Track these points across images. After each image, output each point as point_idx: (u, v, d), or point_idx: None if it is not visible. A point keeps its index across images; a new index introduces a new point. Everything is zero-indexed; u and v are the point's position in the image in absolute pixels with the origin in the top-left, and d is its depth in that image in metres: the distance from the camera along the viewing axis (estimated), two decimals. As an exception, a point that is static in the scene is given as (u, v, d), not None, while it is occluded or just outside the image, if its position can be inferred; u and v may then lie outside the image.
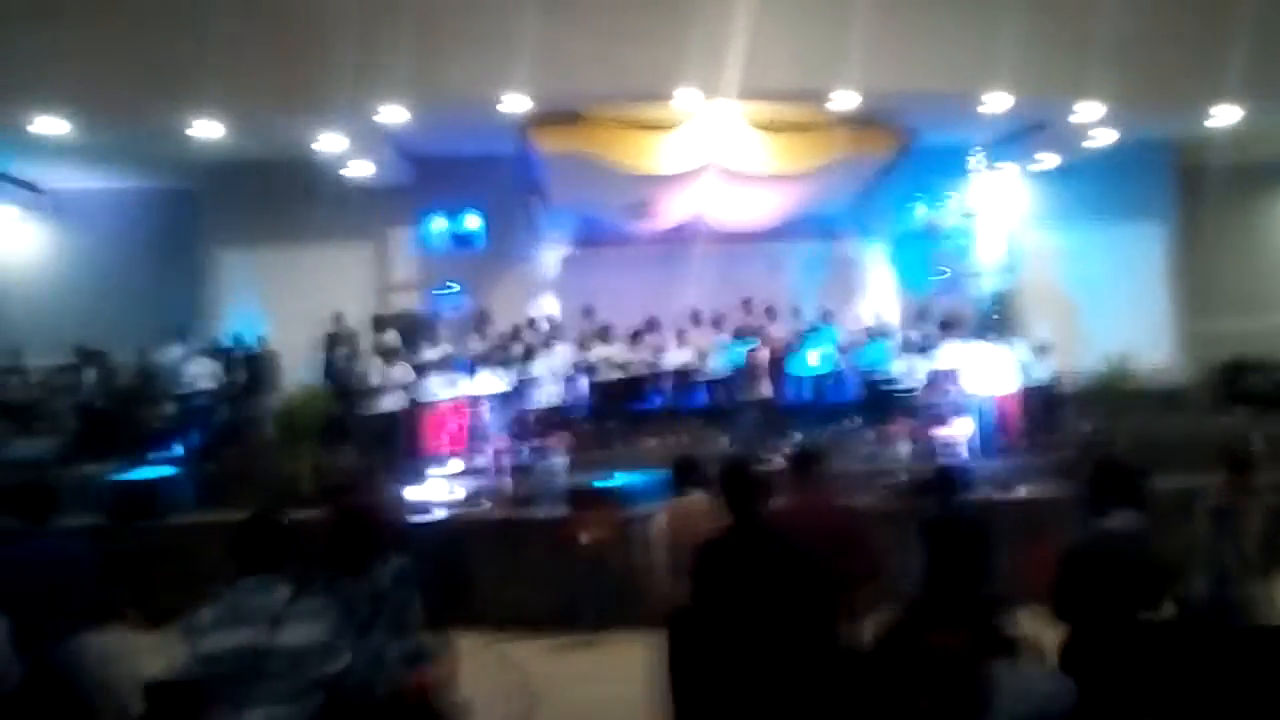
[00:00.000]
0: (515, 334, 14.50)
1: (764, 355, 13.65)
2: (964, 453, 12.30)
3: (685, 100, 12.85)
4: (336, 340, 14.88)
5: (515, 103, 12.70)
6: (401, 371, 13.35)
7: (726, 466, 4.19)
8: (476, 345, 14.30)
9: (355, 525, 4.87)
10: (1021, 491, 11.33)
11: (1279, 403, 15.32)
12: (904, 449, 12.63)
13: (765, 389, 13.55)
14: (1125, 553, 4.48)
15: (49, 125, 12.62)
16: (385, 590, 4.75)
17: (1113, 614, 4.40)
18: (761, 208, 15.24)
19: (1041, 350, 13.74)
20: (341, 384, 14.25)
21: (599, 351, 14.19)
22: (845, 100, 13.00)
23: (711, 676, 3.76)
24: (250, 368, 14.99)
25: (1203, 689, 4.06)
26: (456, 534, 10.62)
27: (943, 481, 5.74)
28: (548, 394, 13.36)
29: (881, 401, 14.12)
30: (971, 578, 5.25)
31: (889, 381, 13.95)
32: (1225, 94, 12.91)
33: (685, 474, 5.98)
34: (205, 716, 3.51)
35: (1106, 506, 4.61)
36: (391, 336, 14.42)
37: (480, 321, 14.75)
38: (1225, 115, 13.43)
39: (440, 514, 11.23)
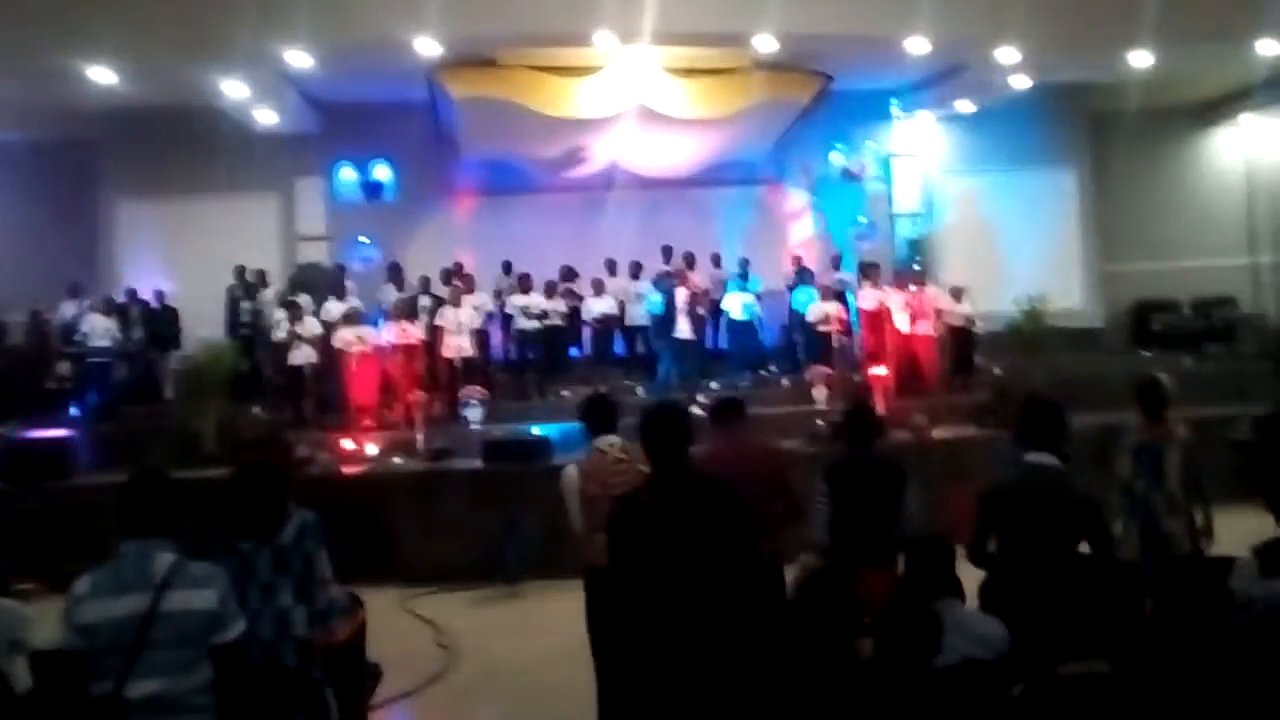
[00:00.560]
0: (426, 285, 14.12)
1: (682, 300, 13.43)
2: (882, 396, 12.35)
3: (601, 45, 12.54)
4: (242, 294, 14.39)
5: (426, 47, 12.25)
6: (311, 325, 12.95)
7: (648, 412, 3.77)
8: (388, 297, 13.92)
9: (258, 483, 4.61)
10: (938, 432, 11.41)
11: (1185, 343, 15.69)
12: (821, 394, 12.63)
13: (683, 333, 13.37)
14: (1046, 490, 4.42)
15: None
16: (288, 548, 4.53)
17: (1034, 553, 4.34)
18: (680, 153, 15.04)
19: (957, 293, 13.83)
20: (249, 339, 13.82)
21: (516, 300, 13.92)
22: (763, 44, 12.79)
23: (641, 635, 3.52)
24: (152, 323, 14.43)
25: (1128, 626, 4.01)
26: (373, 488, 10.43)
27: (851, 423, 5.61)
28: (463, 345, 13.07)
29: (801, 347, 14.10)
30: (884, 519, 5.19)
31: (809, 327, 13.90)
32: (1138, 39, 12.97)
33: (597, 417, 5.35)
34: (88, 689, 3.27)
35: (1029, 444, 4.54)
36: (300, 289, 13.98)
37: (392, 273, 14.36)
38: (1137, 60, 13.52)
39: (356, 468, 10.98)
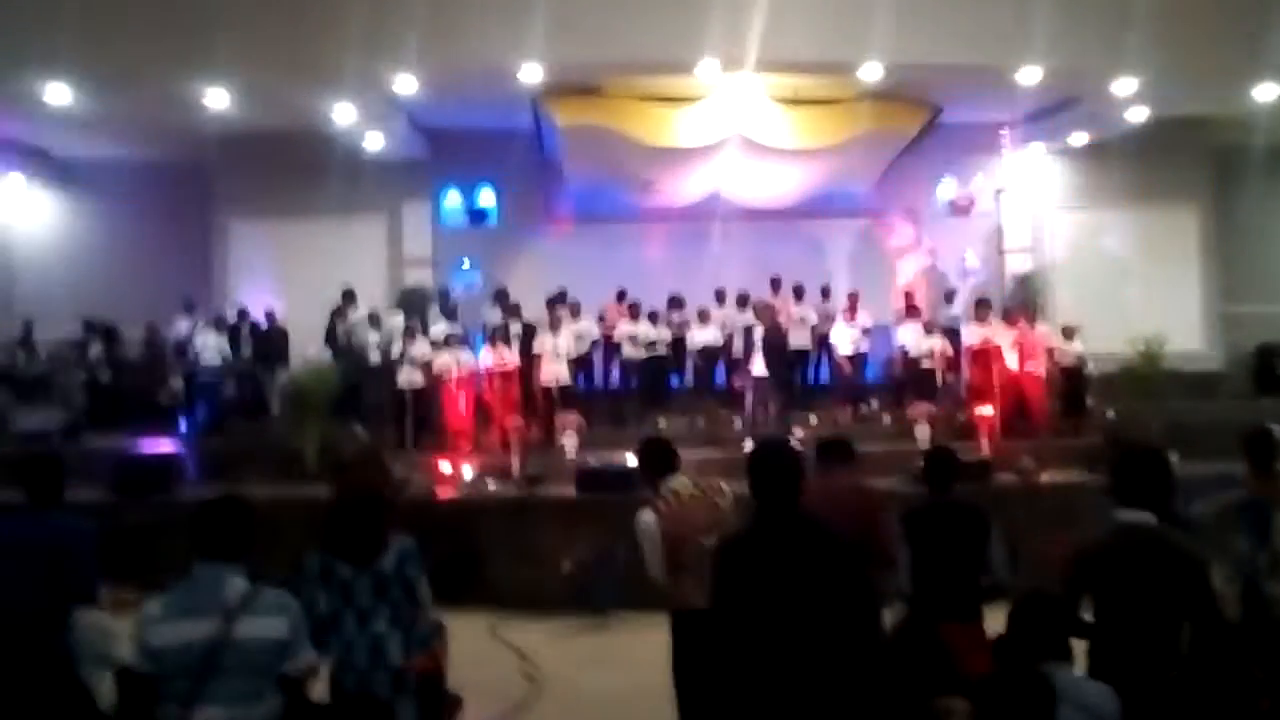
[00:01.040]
0: (518, 311, 14.15)
1: (758, 336, 13.02)
2: (987, 437, 11.99)
3: (705, 73, 12.51)
4: (348, 315, 14.64)
5: (530, 74, 12.40)
6: (415, 347, 13.10)
7: (759, 449, 3.62)
8: (491, 321, 14.02)
9: (359, 506, 4.60)
10: (1046, 476, 11.00)
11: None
12: (923, 432, 12.31)
13: (759, 370, 12.97)
14: (1142, 552, 4.04)
15: (57, 92, 12.39)
16: (388, 575, 4.51)
17: (1132, 622, 4.00)
18: (783, 183, 14.89)
19: (1070, 332, 13.39)
20: (353, 359, 14.04)
21: (625, 328, 13.91)
22: (870, 73, 12.63)
23: (745, 678, 3.33)
24: (260, 342, 14.77)
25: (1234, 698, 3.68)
26: (466, 512, 10.44)
27: (931, 466, 5.36)
28: (560, 373, 13.08)
29: (906, 383, 13.78)
30: (966, 569, 4.94)
31: (915, 363, 13.59)
32: (1265, 70, 12.45)
33: (656, 461, 5.11)
34: (154, 713, 3.24)
35: (1124, 501, 4.19)
36: (405, 312, 14.18)
37: (497, 298, 14.47)
38: (1264, 93, 12.97)
39: (450, 492, 11.02)
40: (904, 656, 3.70)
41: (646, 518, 4.99)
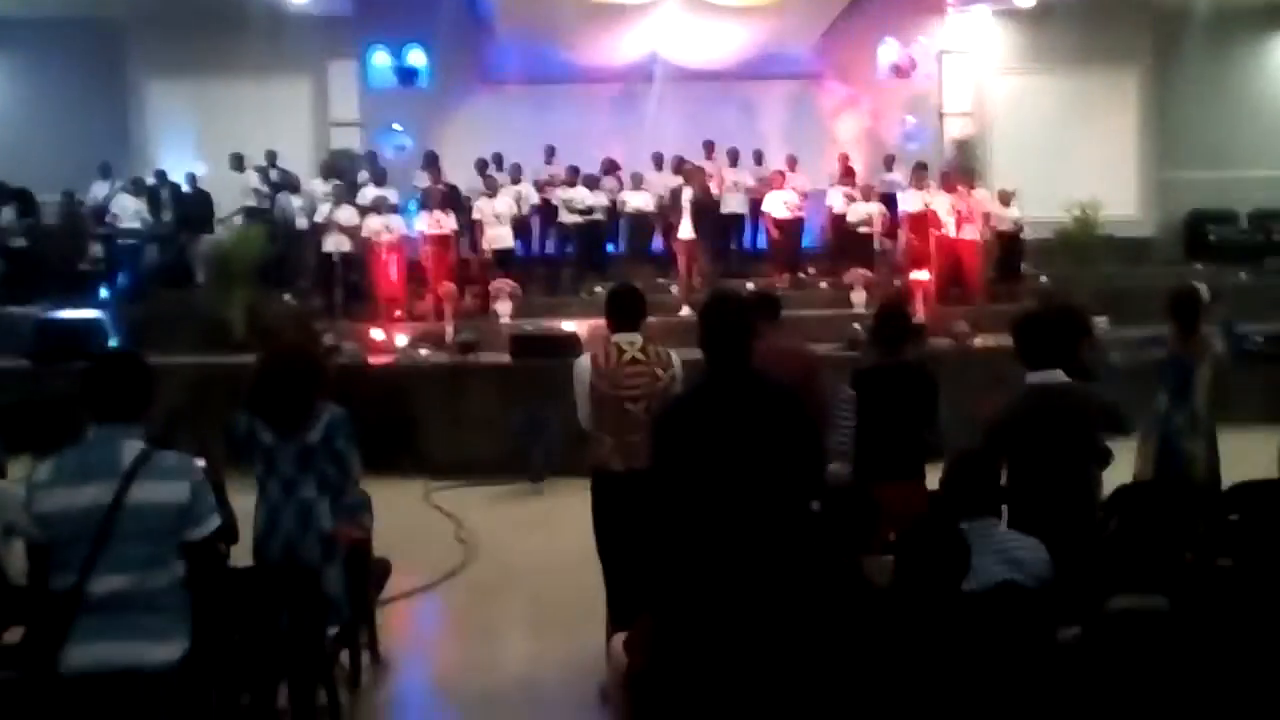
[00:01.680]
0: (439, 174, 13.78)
1: (686, 199, 12.84)
2: (923, 302, 12.02)
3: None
4: (273, 178, 14.13)
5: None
6: (343, 212, 12.70)
7: (708, 302, 3.42)
8: (422, 185, 13.63)
9: (287, 373, 4.43)
10: (980, 340, 11.08)
11: (1242, 256, 15.13)
12: (860, 298, 12.32)
13: (686, 234, 12.81)
14: (1054, 410, 4.10)
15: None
16: (314, 447, 4.38)
17: (1050, 481, 4.04)
18: (723, 43, 14.43)
19: (1006, 197, 13.34)
20: (279, 224, 13.61)
21: (561, 194, 13.59)
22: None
23: (683, 544, 3.22)
24: (182, 206, 14.24)
25: (1175, 553, 3.72)
26: (399, 380, 10.31)
27: (882, 327, 5.30)
28: (500, 236, 12.82)
29: (842, 249, 13.69)
30: (913, 430, 4.93)
31: (851, 228, 13.49)
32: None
33: (623, 311, 4.88)
34: (48, 582, 3.08)
35: (1035, 361, 4.21)
36: (333, 176, 13.71)
37: (427, 162, 14.03)
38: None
39: (383, 359, 10.84)
40: (838, 515, 3.64)
41: (583, 364, 4.87)
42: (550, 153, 14.35)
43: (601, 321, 5.03)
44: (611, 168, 14.30)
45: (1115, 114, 16.24)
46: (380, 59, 15.80)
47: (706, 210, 13.03)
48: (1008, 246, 13.29)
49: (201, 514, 3.16)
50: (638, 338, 4.84)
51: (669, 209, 13.38)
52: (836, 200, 13.74)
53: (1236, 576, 3.73)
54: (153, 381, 3.26)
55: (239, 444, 4.41)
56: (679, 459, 3.25)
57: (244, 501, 4.47)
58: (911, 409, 4.97)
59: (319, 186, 13.61)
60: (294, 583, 4.27)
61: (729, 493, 3.17)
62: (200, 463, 3.39)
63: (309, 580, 4.26)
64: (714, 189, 13.54)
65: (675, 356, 4.84)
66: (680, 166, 13.68)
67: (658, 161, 14.32)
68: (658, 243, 14.13)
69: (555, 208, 13.76)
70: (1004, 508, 3.99)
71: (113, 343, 11.20)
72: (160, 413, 4.74)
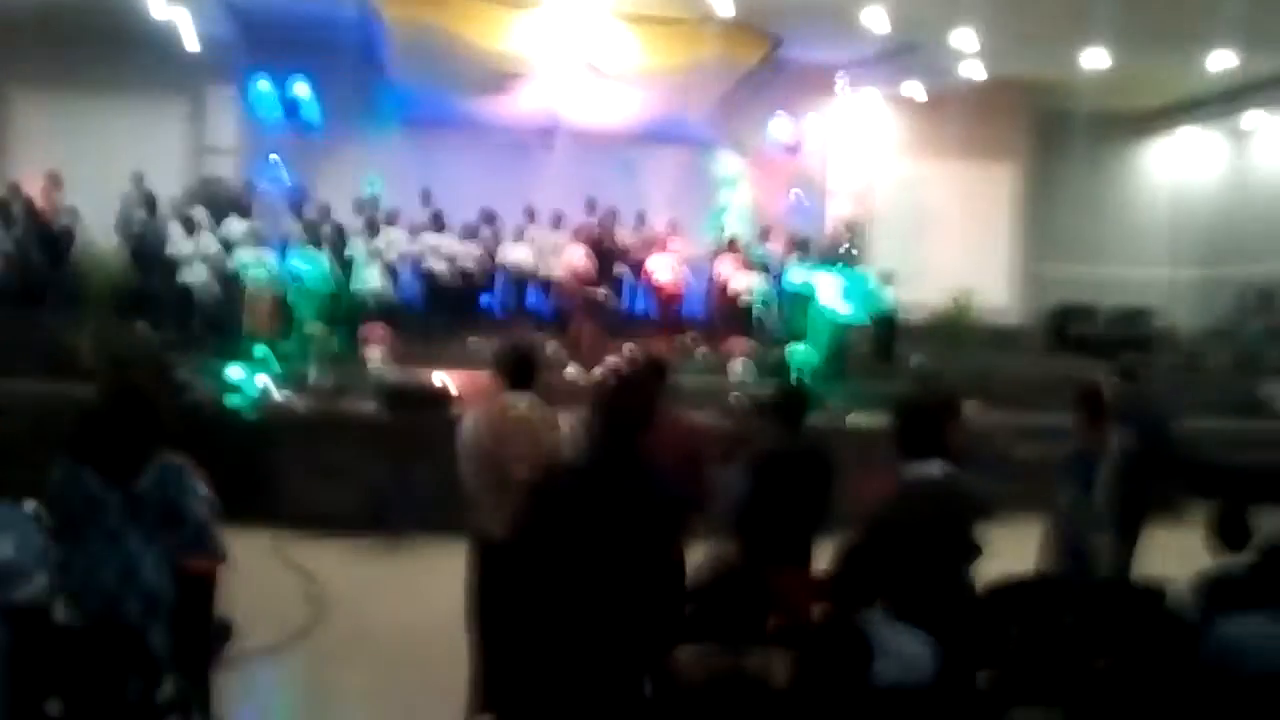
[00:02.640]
0: (328, 214, 13.36)
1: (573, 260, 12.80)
2: (799, 374, 12.03)
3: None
4: (138, 202, 13.44)
5: (357, -41, 11.50)
6: (207, 243, 12.13)
7: (615, 382, 3.44)
8: (292, 223, 13.14)
9: (120, 412, 4.01)
10: (855, 420, 11.11)
11: (1101, 350, 15.63)
12: (738, 367, 12.28)
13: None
14: (930, 507, 3.96)
15: None
16: (143, 496, 3.95)
17: (924, 576, 3.89)
18: (618, 105, 14.39)
19: (886, 279, 13.55)
20: (141, 251, 12.92)
21: (430, 240, 13.25)
22: (717, -1, 12.28)
23: (538, 624, 3.00)
24: (38, 225, 13.40)
25: (1075, 664, 3.60)
26: (258, 424, 9.77)
27: (785, 403, 5.14)
28: (370, 281, 12.42)
29: (725, 318, 13.69)
30: (809, 515, 4.77)
31: (733, 298, 13.51)
32: (1094, 37, 12.77)
33: (515, 370, 4.74)
34: None
35: (913, 450, 4.08)
36: (199, 204, 13.10)
37: (298, 197, 13.54)
38: (1091, 59, 13.33)
39: (242, 401, 10.28)
40: (726, 599, 3.41)
41: (468, 423, 4.68)
42: (425, 197, 14.06)
43: (479, 374, 4.83)
44: (490, 218, 14.06)
45: (994, 205, 16.81)
46: (263, 87, 15.27)
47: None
48: (885, 327, 13.45)
49: (28, 571, 2.75)
50: (527, 397, 4.68)
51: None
52: (726, 268, 13.75)
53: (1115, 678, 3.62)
54: None
55: (59, 488, 3.97)
56: (544, 537, 3.08)
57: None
58: (810, 494, 4.80)
59: (187, 214, 12.97)
60: (115, 642, 3.82)
61: (584, 581, 3.00)
62: (30, 507, 2.99)
63: (131, 640, 3.83)
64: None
65: (567, 420, 4.63)
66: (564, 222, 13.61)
67: (530, 215, 14.22)
68: (533, 297, 13.89)
69: (424, 255, 13.43)
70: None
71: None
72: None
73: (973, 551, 4.24)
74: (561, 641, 2.97)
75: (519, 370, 4.74)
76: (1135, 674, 3.54)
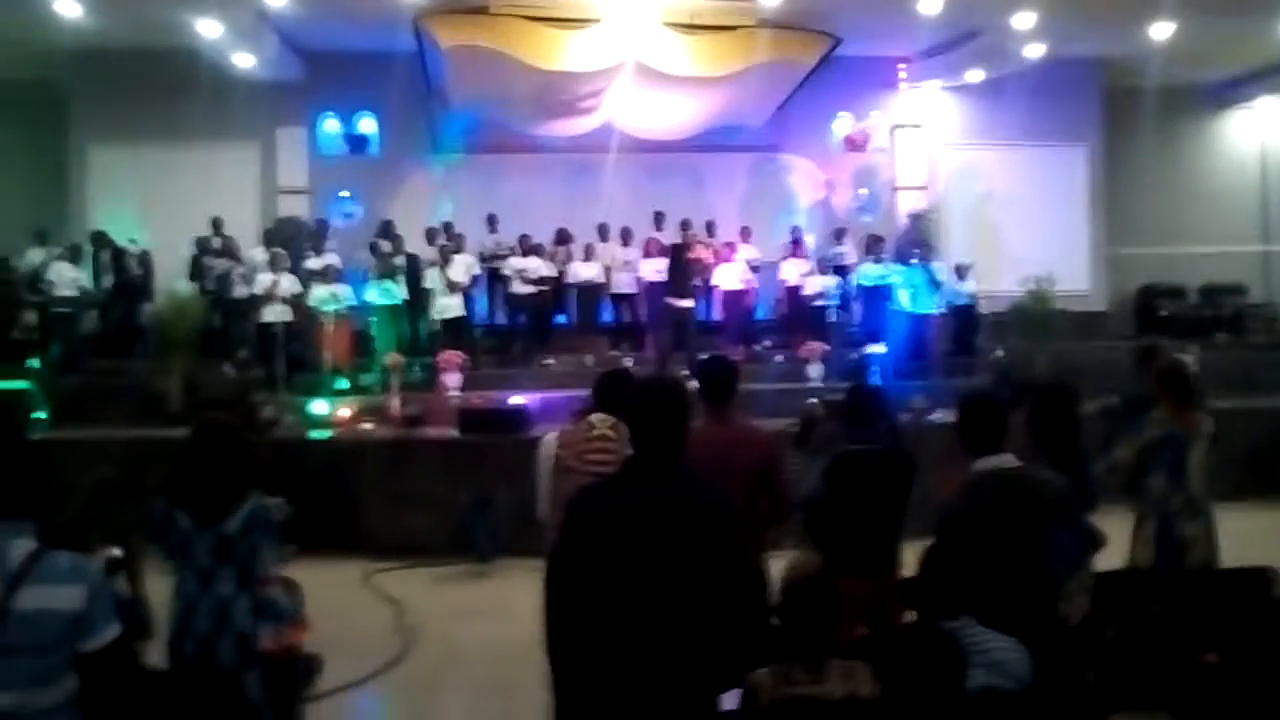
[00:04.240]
0: (400, 245, 13.55)
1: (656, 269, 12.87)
2: (878, 374, 11.85)
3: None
4: (216, 246, 13.76)
5: (412, -9, 11.66)
6: (287, 281, 12.37)
7: (642, 389, 3.09)
8: (366, 255, 13.35)
9: (213, 452, 4.06)
10: (937, 416, 10.88)
11: (1192, 330, 15.18)
12: (815, 370, 12.15)
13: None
14: (1002, 497, 3.82)
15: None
16: (233, 537, 4.00)
17: (1006, 571, 3.74)
18: (678, 114, 14.35)
19: (962, 272, 13.31)
20: (221, 293, 13.23)
21: (515, 263, 13.40)
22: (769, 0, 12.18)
23: (590, 643, 2.94)
24: (123, 274, 13.80)
25: (1181, 661, 3.44)
26: (341, 455, 9.90)
27: (860, 404, 4.98)
28: (446, 307, 12.54)
29: (796, 321, 13.56)
30: (892, 518, 4.64)
31: (809, 301, 13.38)
32: (1159, 9, 12.42)
33: (605, 395, 4.69)
34: None
35: (978, 451, 3.95)
36: (277, 244, 13.37)
37: (380, 230, 13.77)
38: (1158, 32, 12.96)
39: (325, 433, 10.43)
40: (801, 613, 3.30)
41: (548, 440, 4.71)
42: (492, 222, 14.16)
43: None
44: (565, 238, 14.14)
45: (1068, 189, 16.40)
46: (330, 126, 15.57)
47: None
48: (963, 321, 13.20)
49: (96, 622, 2.78)
50: (609, 417, 4.66)
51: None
52: (790, 273, 13.65)
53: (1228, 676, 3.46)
54: (51, 473, 2.89)
55: (155, 529, 4.05)
56: (580, 549, 2.98)
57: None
58: (888, 497, 4.68)
59: (259, 255, 13.26)
60: (211, 688, 3.87)
61: (626, 596, 2.89)
62: (106, 556, 3.02)
63: (227, 685, 3.87)
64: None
65: None
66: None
67: (602, 232, 14.22)
68: (606, 313, 13.95)
69: (504, 278, 13.52)
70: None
71: (41, 415, 10.74)
72: (87, 487, 4.38)
73: (1089, 541, 4.12)
74: (618, 662, 2.90)
75: (610, 395, 4.69)
76: (1249, 668, 3.36)
